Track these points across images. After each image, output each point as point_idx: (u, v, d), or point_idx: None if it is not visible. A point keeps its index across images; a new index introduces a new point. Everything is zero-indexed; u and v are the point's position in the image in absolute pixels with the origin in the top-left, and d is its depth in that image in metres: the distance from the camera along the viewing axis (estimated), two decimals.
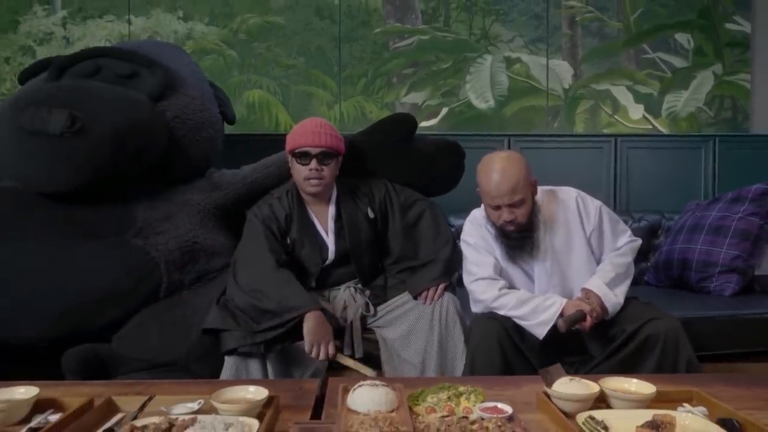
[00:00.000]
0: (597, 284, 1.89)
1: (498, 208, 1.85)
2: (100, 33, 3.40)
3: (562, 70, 3.50)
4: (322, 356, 1.86)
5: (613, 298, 1.88)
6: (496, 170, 1.83)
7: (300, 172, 2.05)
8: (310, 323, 1.86)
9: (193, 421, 1.13)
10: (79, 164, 1.91)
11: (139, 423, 1.13)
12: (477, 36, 3.48)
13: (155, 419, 1.15)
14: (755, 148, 3.36)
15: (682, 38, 3.52)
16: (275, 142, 3.12)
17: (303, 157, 2.04)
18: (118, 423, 1.21)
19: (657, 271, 2.83)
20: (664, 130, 3.50)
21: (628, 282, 1.96)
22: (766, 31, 3.51)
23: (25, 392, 1.29)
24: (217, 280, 2.04)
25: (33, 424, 1.19)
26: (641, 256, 2.94)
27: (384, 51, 3.46)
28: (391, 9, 3.47)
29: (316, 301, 1.95)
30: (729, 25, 3.52)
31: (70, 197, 1.99)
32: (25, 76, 2.33)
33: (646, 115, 3.51)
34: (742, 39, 3.52)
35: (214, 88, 2.55)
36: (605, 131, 3.46)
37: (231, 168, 2.43)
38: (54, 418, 1.23)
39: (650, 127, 3.50)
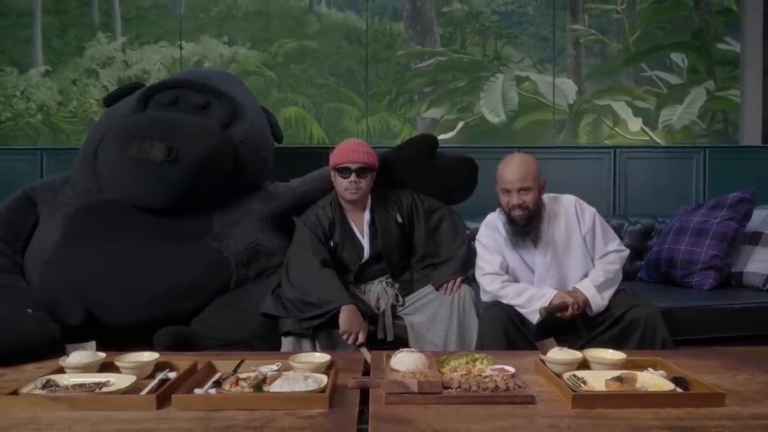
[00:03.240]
0: (586, 285, 2.24)
1: (509, 192, 2.24)
2: (155, 57, 3.83)
3: (567, 87, 3.85)
4: (351, 341, 2.24)
5: (599, 300, 2.22)
6: (513, 160, 2.26)
7: (341, 184, 2.45)
8: (344, 315, 2.25)
9: (280, 375, 1.54)
10: (173, 185, 2.37)
11: (241, 376, 1.55)
12: (490, 57, 3.86)
13: (251, 374, 1.57)
14: (743, 158, 3.66)
15: (677, 57, 3.85)
16: (309, 153, 3.56)
17: (344, 171, 2.43)
18: (222, 377, 1.62)
19: (648, 268, 3.18)
20: (660, 142, 3.84)
21: (614, 287, 2.28)
22: (754, 50, 3.83)
23: (149, 356, 1.72)
24: (274, 276, 2.45)
25: (161, 377, 1.61)
26: (636, 255, 3.30)
27: (406, 71, 3.84)
28: (413, 33, 3.85)
29: (350, 297, 2.32)
30: (720, 46, 3.84)
31: (160, 209, 2.43)
32: (110, 100, 2.78)
33: (644, 128, 3.85)
34: (733, 58, 3.84)
35: (266, 112, 2.96)
36: (607, 143, 3.82)
37: (275, 175, 2.85)
38: (172, 375, 1.65)
39: (648, 138, 3.84)
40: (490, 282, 2.30)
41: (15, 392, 1.47)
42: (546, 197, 2.34)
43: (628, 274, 3.19)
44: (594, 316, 2.23)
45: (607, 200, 3.63)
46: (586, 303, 2.21)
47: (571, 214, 2.33)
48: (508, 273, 2.33)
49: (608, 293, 2.25)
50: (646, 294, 2.61)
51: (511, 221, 2.27)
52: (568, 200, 2.37)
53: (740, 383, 1.63)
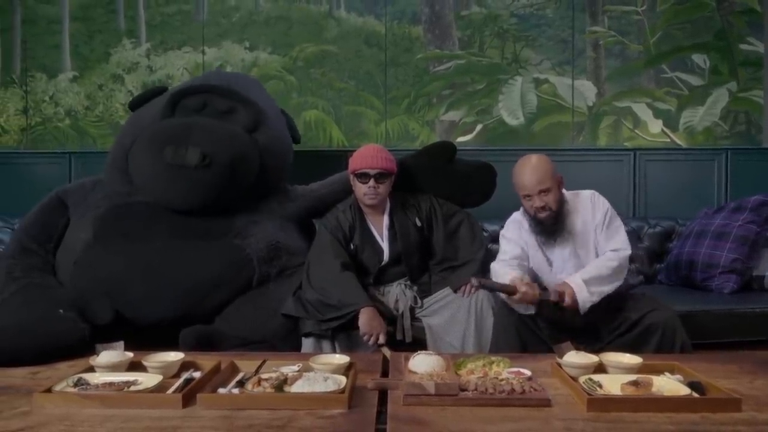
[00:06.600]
0: (574, 278, 2.16)
1: (530, 197, 2.25)
2: (179, 62, 3.91)
3: (587, 89, 3.83)
4: (372, 342, 2.28)
5: (586, 293, 2.11)
6: (527, 165, 2.26)
7: (360, 189, 2.49)
8: (364, 317, 2.29)
9: (300, 376, 1.59)
10: (205, 189, 2.47)
11: (263, 376, 1.60)
12: (508, 60, 3.86)
13: (273, 374, 1.62)
14: (766, 160, 3.62)
15: (699, 59, 3.80)
16: (329, 156, 3.61)
17: (363, 177, 2.47)
18: (245, 377, 1.67)
19: (668, 271, 3.16)
20: (682, 144, 3.80)
21: (609, 286, 2.18)
22: None
23: (174, 356, 1.78)
24: (295, 276, 2.50)
25: (186, 376, 1.67)
26: (656, 257, 3.30)
27: (425, 74, 3.86)
28: (432, 37, 3.88)
29: (370, 299, 2.36)
30: (743, 46, 3.78)
31: (190, 211, 2.51)
32: (134, 105, 2.86)
33: (665, 130, 3.81)
34: (756, 59, 3.78)
35: (285, 115, 3.01)
36: (627, 144, 3.79)
37: (295, 178, 2.91)
38: (196, 374, 1.70)
39: (669, 140, 3.81)
40: (493, 267, 2.32)
41: (49, 390, 1.54)
42: (566, 194, 2.36)
43: (648, 276, 3.20)
44: (611, 318, 2.22)
45: (627, 202, 3.62)
46: (572, 295, 2.13)
47: (587, 208, 2.34)
48: (527, 263, 2.34)
49: (598, 289, 2.15)
50: (666, 297, 2.60)
51: (537, 222, 2.28)
52: (585, 194, 2.38)
53: (757, 388, 1.63)
